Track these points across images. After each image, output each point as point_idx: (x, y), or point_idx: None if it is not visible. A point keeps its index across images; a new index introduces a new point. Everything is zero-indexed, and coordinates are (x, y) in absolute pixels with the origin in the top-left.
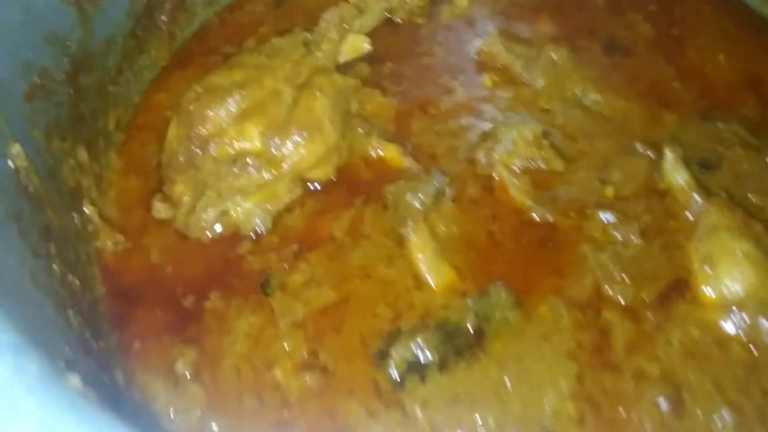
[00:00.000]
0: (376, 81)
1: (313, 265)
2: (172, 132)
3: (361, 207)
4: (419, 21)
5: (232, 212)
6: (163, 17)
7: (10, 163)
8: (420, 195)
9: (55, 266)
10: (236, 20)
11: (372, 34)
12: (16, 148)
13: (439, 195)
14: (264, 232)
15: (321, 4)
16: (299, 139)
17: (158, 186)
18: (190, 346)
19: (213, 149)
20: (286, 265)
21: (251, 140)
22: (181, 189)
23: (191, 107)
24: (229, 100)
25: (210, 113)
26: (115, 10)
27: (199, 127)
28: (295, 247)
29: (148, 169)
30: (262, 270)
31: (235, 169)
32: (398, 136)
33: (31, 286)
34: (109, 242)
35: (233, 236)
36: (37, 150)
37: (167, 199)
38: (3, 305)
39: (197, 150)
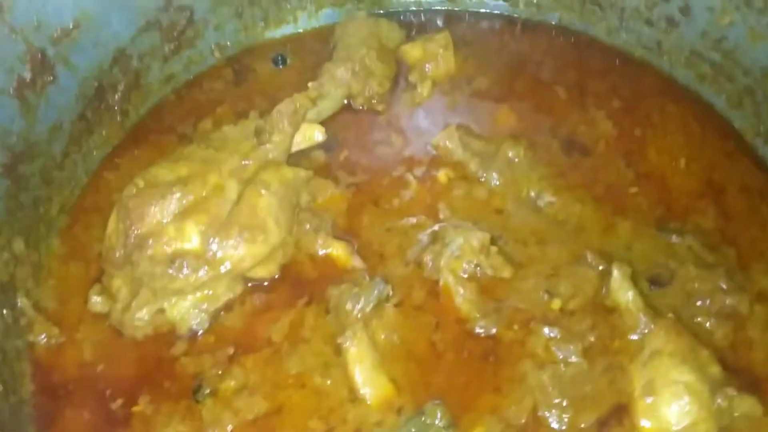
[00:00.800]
0: (330, 170)
1: (248, 370)
2: (111, 226)
3: (302, 308)
4: (379, 108)
5: (168, 311)
6: (116, 97)
7: None
8: (360, 303)
9: None
10: (194, 97)
11: (330, 120)
12: None
13: (380, 303)
14: (200, 332)
15: (280, 85)
16: (240, 241)
17: (100, 274)
18: None
19: (150, 248)
20: (219, 371)
21: (189, 240)
22: (117, 284)
23: (130, 203)
24: (169, 197)
25: (148, 210)
26: (62, 96)
27: (137, 224)
28: (230, 350)
29: (91, 256)
30: (195, 373)
31: (171, 271)
32: (348, 232)
33: None
34: (43, 335)
35: (168, 335)
36: None
37: (105, 291)
38: None
39: (134, 247)
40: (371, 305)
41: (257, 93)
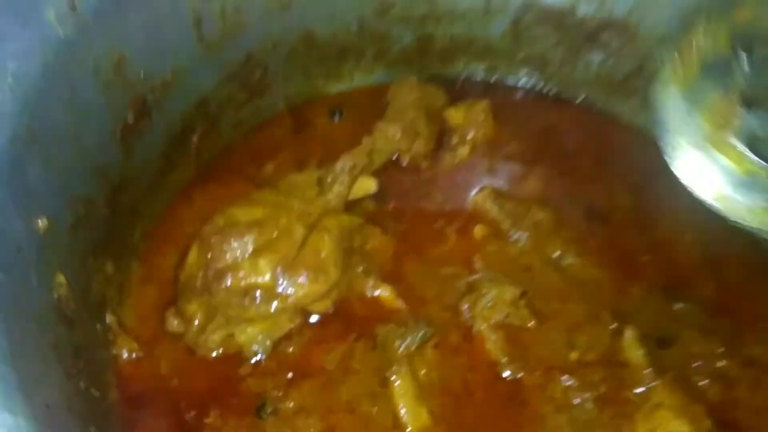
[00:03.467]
0: (379, 218)
1: (304, 394)
2: (193, 257)
3: (353, 343)
4: (422, 164)
5: (238, 336)
6: (194, 138)
7: (55, 294)
8: (406, 342)
9: (81, 383)
10: (259, 142)
11: (379, 172)
12: (60, 278)
13: (423, 343)
14: (263, 357)
15: (336, 136)
16: (305, 279)
17: (172, 298)
18: None
19: (227, 281)
20: (280, 392)
21: (263, 275)
22: (194, 308)
23: (212, 240)
24: (246, 237)
25: (228, 247)
26: (153, 137)
27: (218, 258)
28: (290, 374)
29: (165, 280)
30: (258, 393)
31: (245, 301)
32: (393, 276)
33: (68, 414)
34: (124, 350)
35: (236, 357)
36: (74, 273)
37: (180, 314)
38: None
39: (213, 278)
40: (415, 345)
41: (315, 142)
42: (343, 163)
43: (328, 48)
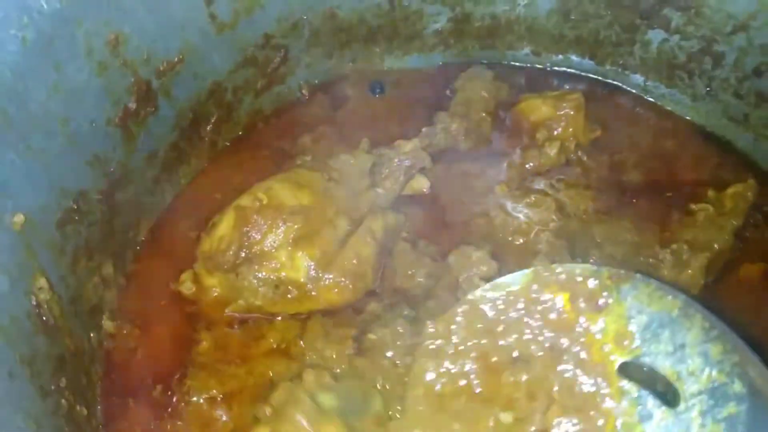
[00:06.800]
0: None
1: None
2: (226, 228)
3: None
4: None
5: None
6: (208, 128)
7: (32, 300)
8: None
9: (63, 401)
10: (292, 118)
11: None
12: (41, 282)
13: None
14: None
15: (378, 113)
16: (341, 284)
17: (183, 267)
18: None
19: (260, 267)
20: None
21: (298, 272)
22: (213, 283)
23: (253, 217)
24: (290, 224)
25: (269, 231)
26: (161, 126)
27: (255, 240)
28: None
29: (175, 251)
30: None
31: (275, 295)
32: None
33: None
34: (120, 341)
35: None
36: (62, 276)
37: (197, 281)
38: None
39: (245, 260)
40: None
41: (358, 117)
42: (401, 159)
43: (355, 29)
